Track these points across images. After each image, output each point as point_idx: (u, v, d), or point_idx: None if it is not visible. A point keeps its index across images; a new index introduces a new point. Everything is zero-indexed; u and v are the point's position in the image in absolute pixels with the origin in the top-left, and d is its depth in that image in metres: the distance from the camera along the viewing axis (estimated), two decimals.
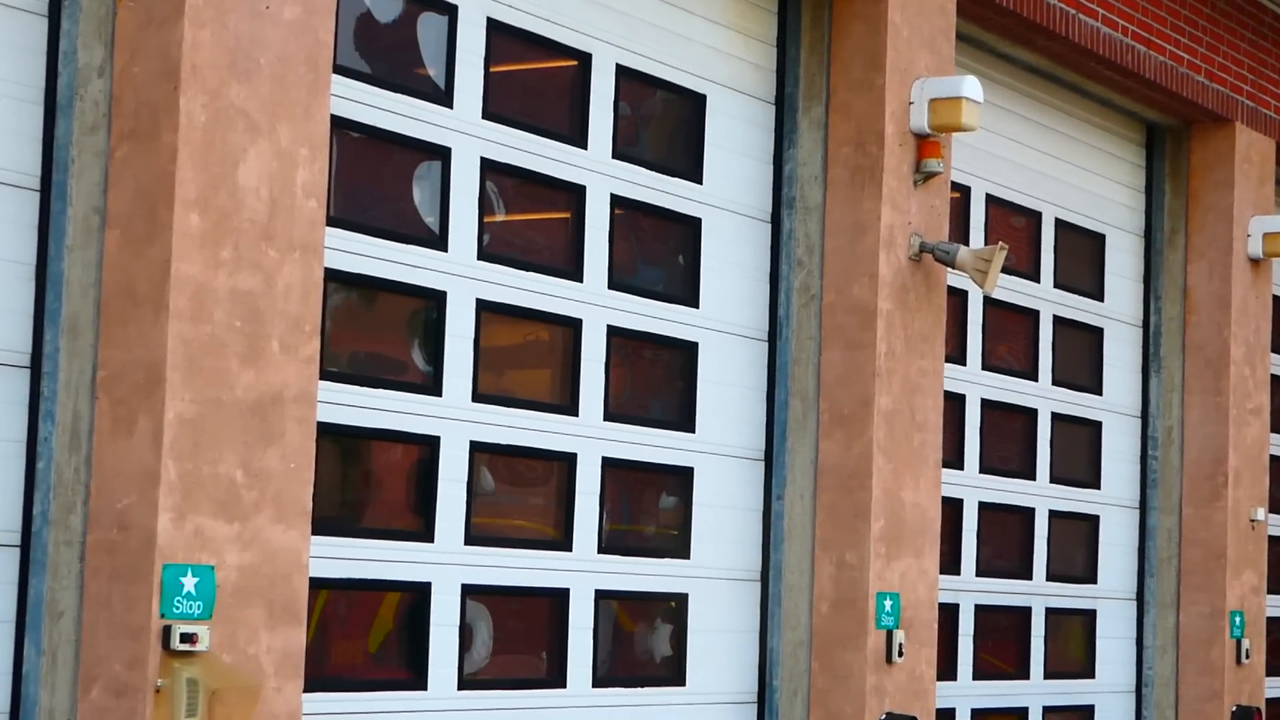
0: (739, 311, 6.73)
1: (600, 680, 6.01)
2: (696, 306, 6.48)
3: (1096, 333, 9.09)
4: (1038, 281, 8.59)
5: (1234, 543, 9.16)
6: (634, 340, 6.34)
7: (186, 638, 3.99)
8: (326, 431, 4.85)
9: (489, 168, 5.62)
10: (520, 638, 6.04)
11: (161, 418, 3.97)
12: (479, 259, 5.63)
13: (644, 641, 6.52)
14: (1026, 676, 8.48)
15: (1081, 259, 8.97)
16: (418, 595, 5.38)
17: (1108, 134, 9.19)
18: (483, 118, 5.61)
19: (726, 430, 6.67)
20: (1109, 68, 8.37)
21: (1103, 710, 9.16)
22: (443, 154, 5.47)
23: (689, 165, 6.56)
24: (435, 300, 5.45)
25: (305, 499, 4.42)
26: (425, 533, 5.42)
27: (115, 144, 4.25)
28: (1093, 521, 9.05)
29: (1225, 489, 9.12)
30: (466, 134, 5.59)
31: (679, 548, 6.42)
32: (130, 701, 3.96)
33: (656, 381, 6.69)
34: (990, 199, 8.22)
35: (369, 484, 5.54)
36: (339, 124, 4.99)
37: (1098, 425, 9.08)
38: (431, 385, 5.44)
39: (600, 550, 6.00)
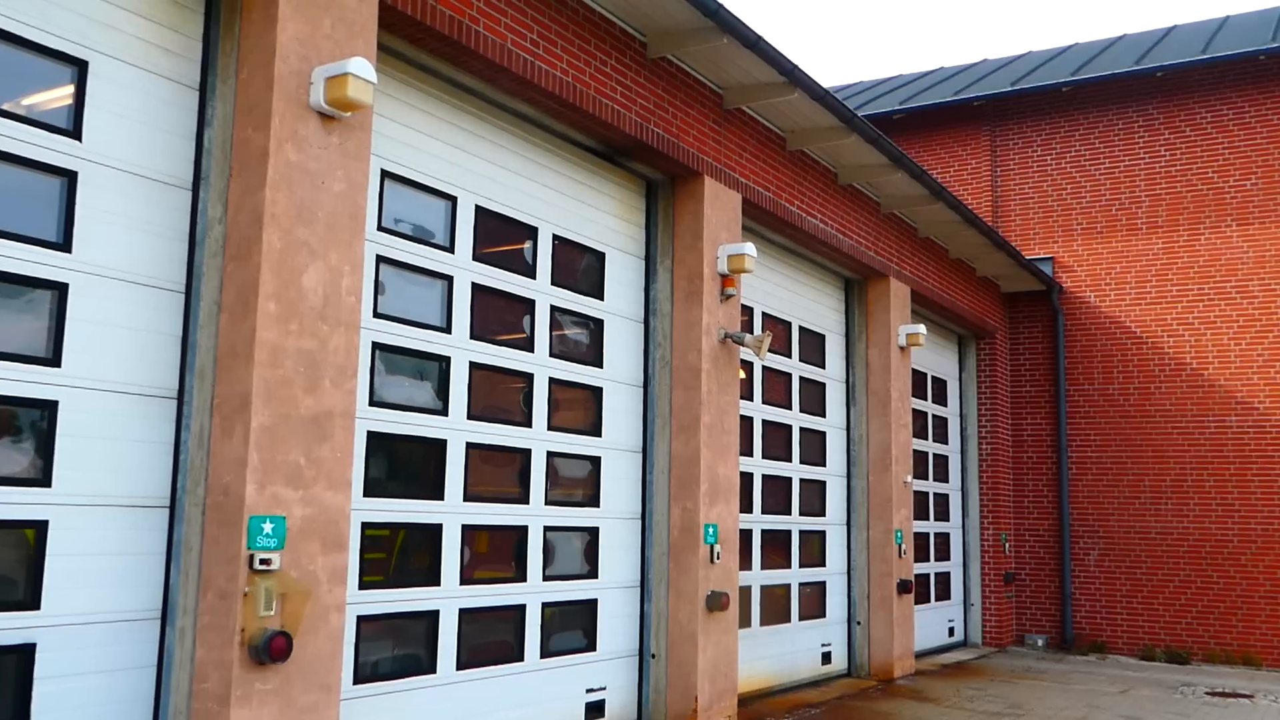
0: (626, 371, 9.54)
1: (546, 577, 8.50)
2: (601, 367, 9.34)
3: (822, 385, 12.92)
4: (790, 357, 12.23)
5: (896, 494, 13.11)
6: (564, 386, 8.98)
7: (264, 561, 5.49)
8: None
9: (479, 290, 8.09)
10: (500, 555, 8.26)
11: (249, 426, 5.58)
12: (471, 339, 8.67)
13: (572, 554, 8.95)
14: (789, 567, 11.93)
15: (813, 347, 12.76)
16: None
17: (824, 283, 13.18)
18: (474, 259, 8.01)
19: (621, 436, 9.38)
20: (824, 246, 12.07)
21: (831, 584, 12.67)
22: (448, 280, 7.91)
23: (596, 289, 9.43)
24: (443, 363, 7.91)
25: (348, 475, 6.03)
26: (440, 493, 7.68)
27: (227, 262, 5.82)
28: (823, 484, 12.74)
29: (891, 465, 13.05)
30: (463, 268, 7.96)
31: (592, 501, 9.12)
32: (229, 602, 5.48)
33: (577, 409, 9.09)
34: (765, 315, 11.69)
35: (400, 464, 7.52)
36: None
37: (823, 434, 12.86)
38: (441, 409, 7.78)
39: (545, 504, 8.58)
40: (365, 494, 7.10)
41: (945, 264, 15.67)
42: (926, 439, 16.11)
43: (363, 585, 7.05)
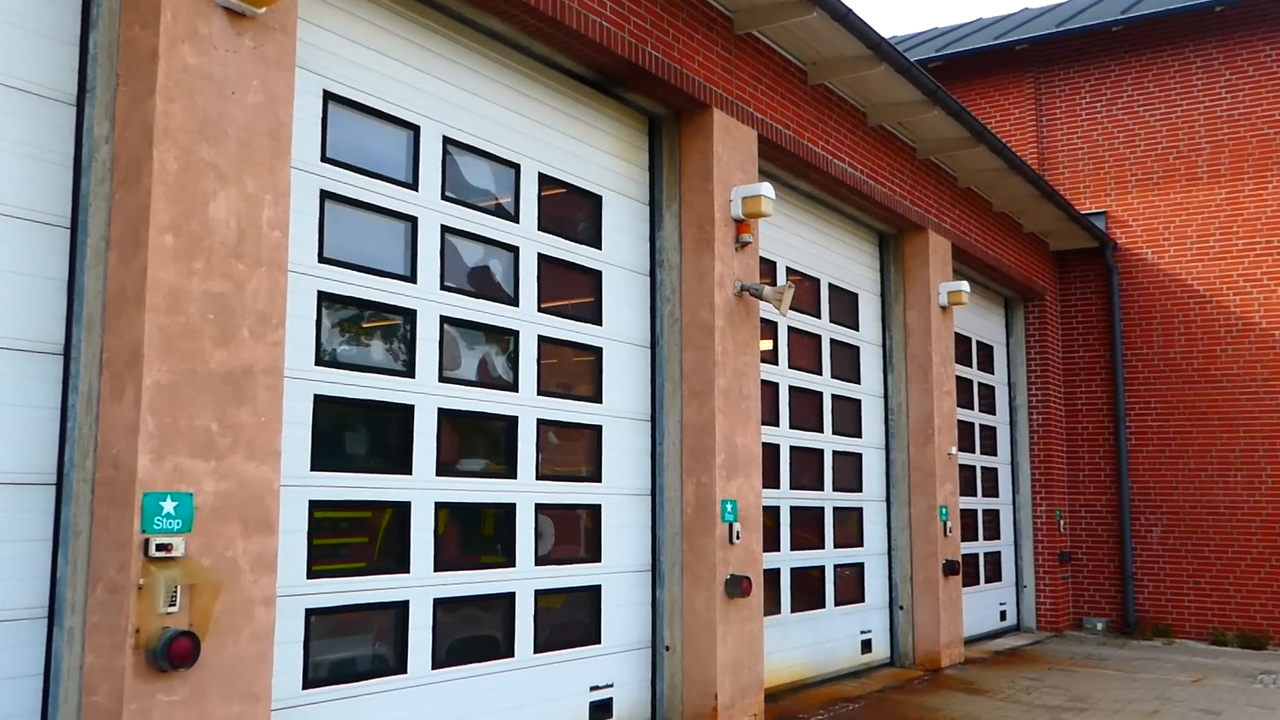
0: (630, 329, 8.45)
1: (539, 561, 7.41)
2: (600, 324, 8.20)
3: (855, 349, 11.77)
4: (819, 318, 11.14)
5: (939, 467, 11.95)
6: (557, 345, 7.82)
7: (162, 547, 4.60)
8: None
9: (450, 233, 7.00)
10: (483, 536, 7.15)
11: (141, 384, 4.62)
12: (441, 289, 6.90)
13: (569, 535, 7.80)
14: (823, 547, 10.85)
15: (845, 307, 11.64)
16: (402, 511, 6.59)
17: (856, 237, 11.99)
18: (442, 198, 6.92)
19: (625, 402, 8.31)
20: (854, 193, 10.89)
21: (870, 566, 11.59)
22: (411, 221, 6.74)
23: (592, 236, 8.26)
24: (407, 317, 6.66)
25: (276, 444, 5.10)
26: (407, 468, 6.60)
27: (115, 189, 4.88)
28: (858, 457, 11.60)
29: (933, 436, 11.91)
30: (429, 209, 6.86)
31: (592, 476, 8.00)
32: (120, 597, 4.53)
33: (573, 371, 7.98)
34: (789, 269, 10.60)
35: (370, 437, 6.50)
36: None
37: (858, 402, 11.72)
38: (406, 370, 6.62)
39: (536, 478, 7.45)
40: (314, 468, 6.08)
41: (989, 218, 14.41)
42: (972, 409, 14.88)
43: (312, 574, 6.03)
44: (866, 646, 11.63)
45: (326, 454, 6.17)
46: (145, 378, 4.72)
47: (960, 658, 12.38)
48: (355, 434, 6.41)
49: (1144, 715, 9.70)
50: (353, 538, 6.34)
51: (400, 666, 6.49)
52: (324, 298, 6.23)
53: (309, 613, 5.99)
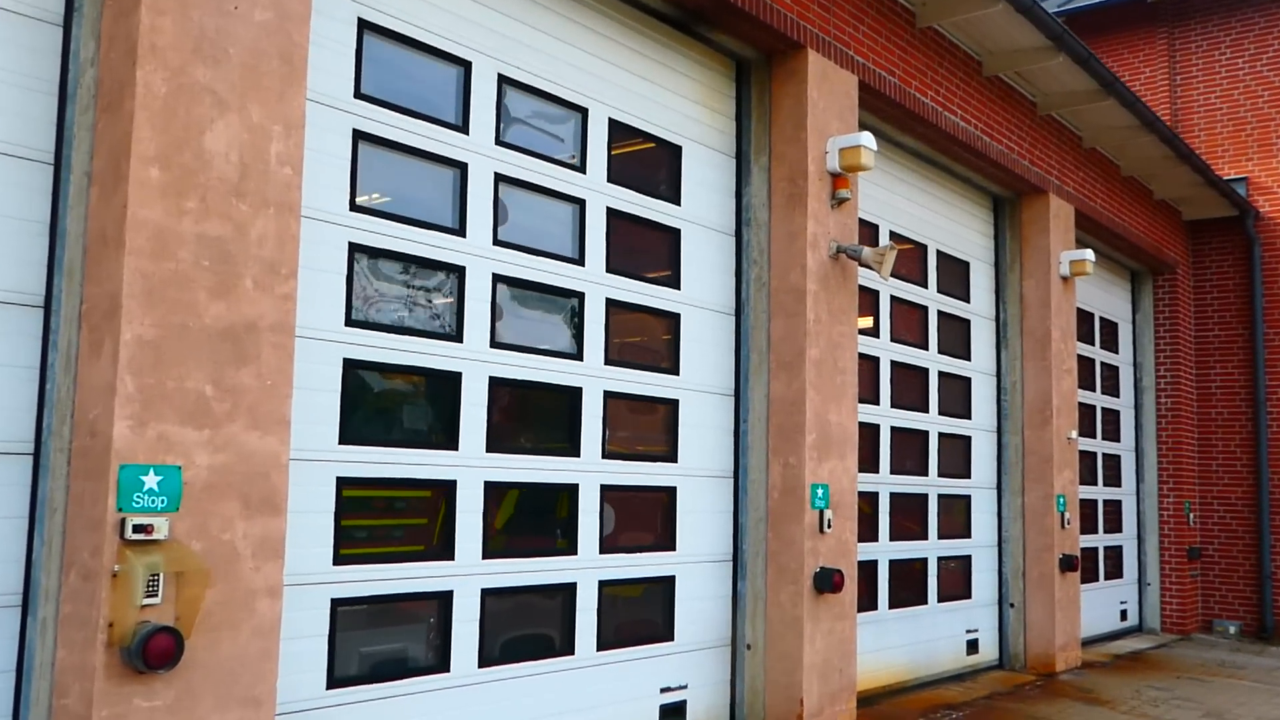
0: (712, 293, 7.63)
1: (605, 549, 6.67)
2: (679, 289, 7.39)
3: (966, 322, 10.70)
4: (926, 288, 10.11)
5: (1057, 452, 10.82)
6: (626, 310, 6.99)
7: (141, 528, 3.95)
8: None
9: (506, 183, 6.23)
10: (540, 520, 6.43)
11: (119, 339, 3.99)
12: (494, 244, 6.15)
13: (640, 520, 7.04)
14: (926, 538, 9.85)
15: (955, 277, 10.57)
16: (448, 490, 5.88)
17: (968, 200, 10.89)
18: (497, 143, 6.22)
19: (705, 375, 7.51)
20: (966, 150, 9.82)
21: (978, 559, 10.56)
22: (461, 168, 6.01)
23: (670, 190, 7.43)
24: (455, 274, 5.93)
25: (285, 411, 4.46)
26: (453, 443, 5.85)
27: (97, 117, 4.30)
28: (967, 440, 10.60)
29: (1051, 419, 10.80)
30: (482, 154, 6.15)
31: (667, 455, 7.21)
32: (93, 584, 3.93)
33: (646, 339, 7.21)
34: (893, 234, 9.63)
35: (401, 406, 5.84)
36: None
37: (968, 380, 10.67)
38: (453, 334, 5.89)
39: (603, 456, 6.69)
40: (343, 440, 5.36)
41: (1116, 183, 13.12)
42: (1094, 390, 13.63)
43: (340, 559, 5.33)
44: (973, 647, 10.61)
45: (358, 425, 5.47)
46: (124, 331, 4.07)
47: (1077, 661, 11.26)
48: (393, 404, 5.70)
49: None
50: (389, 519, 5.63)
51: (442, 664, 5.78)
52: (357, 249, 5.52)
53: (335, 603, 5.31)
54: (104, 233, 4.20)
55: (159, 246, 4.17)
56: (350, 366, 5.45)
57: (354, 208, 5.52)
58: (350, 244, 5.49)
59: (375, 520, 5.56)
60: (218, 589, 4.24)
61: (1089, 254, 11.23)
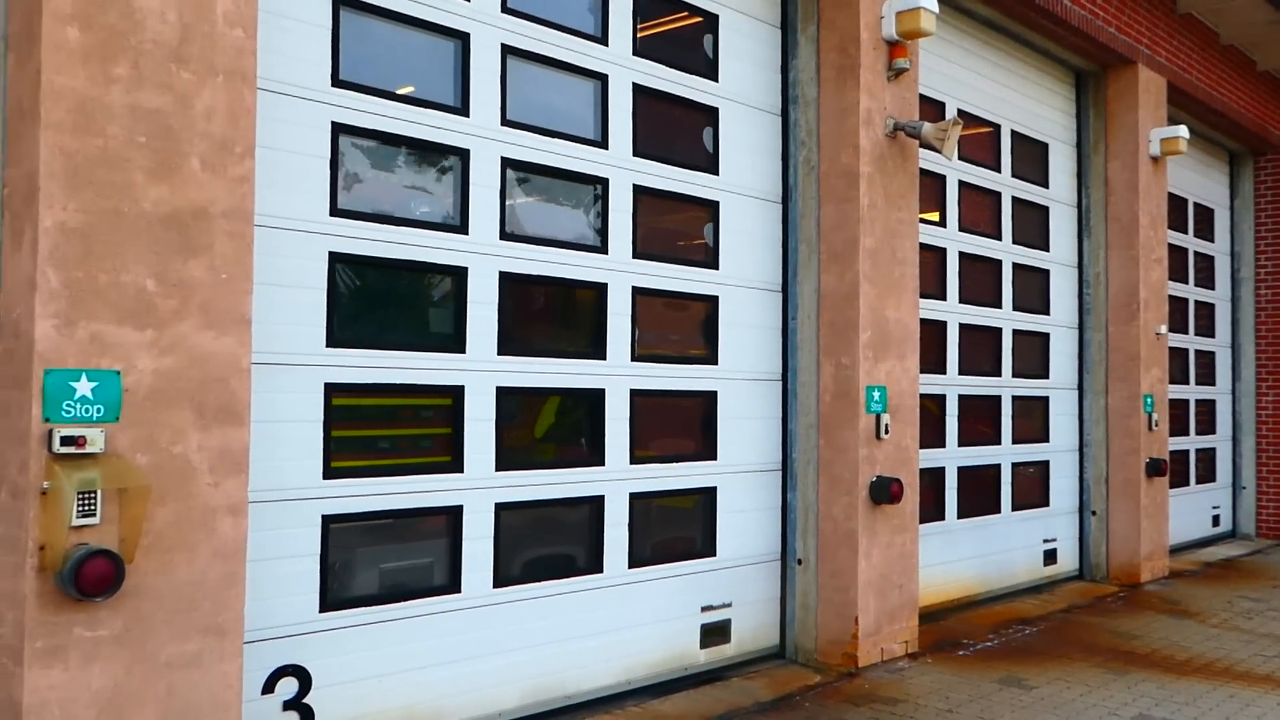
0: (754, 179, 6.93)
1: (636, 459, 6.10)
2: (717, 174, 6.70)
3: (1044, 209, 9.76)
4: (999, 172, 9.18)
5: (1144, 349, 9.91)
6: (657, 197, 6.33)
7: (70, 440, 3.50)
8: None
9: (512, 54, 5.58)
10: (562, 428, 5.89)
11: (38, 226, 3.49)
12: (503, 124, 5.54)
13: (677, 426, 6.51)
14: (999, 443, 9.10)
15: (1032, 160, 9.61)
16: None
17: (1046, 74, 9.91)
18: (503, 10, 5.56)
19: (747, 269, 6.85)
20: (1044, 16, 8.80)
21: (1056, 464, 9.83)
22: (462, 39, 5.38)
23: (706, 65, 6.72)
24: (458, 158, 5.33)
25: (244, 309, 3.95)
26: (460, 346, 5.33)
27: None
28: (1045, 337, 9.75)
29: (1138, 313, 9.89)
30: (481, 22, 5.52)
31: (706, 357, 6.60)
32: (21, 504, 3.50)
33: (680, 230, 6.61)
34: (961, 112, 8.69)
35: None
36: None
37: (1046, 272, 9.77)
38: (458, 225, 5.30)
39: (632, 359, 6.10)
40: (331, 343, 4.84)
41: (1213, 52, 11.90)
42: (1186, 282, 12.60)
43: (332, 473, 4.84)
44: (1050, 558, 9.93)
45: (349, 327, 4.94)
46: (43, 218, 3.57)
47: (1164, 571, 10.52)
48: (389, 303, 5.15)
49: None
50: (388, 429, 5.12)
51: (452, 585, 5.31)
52: (342, 130, 4.93)
53: (328, 520, 4.84)
54: (20, 105, 3.70)
55: (83, 120, 3.64)
56: (337, 261, 4.90)
57: (337, 83, 4.90)
58: (334, 123, 4.90)
59: (372, 430, 5.06)
60: (170, 508, 3.77)
61: (1182, 130, 10.18)
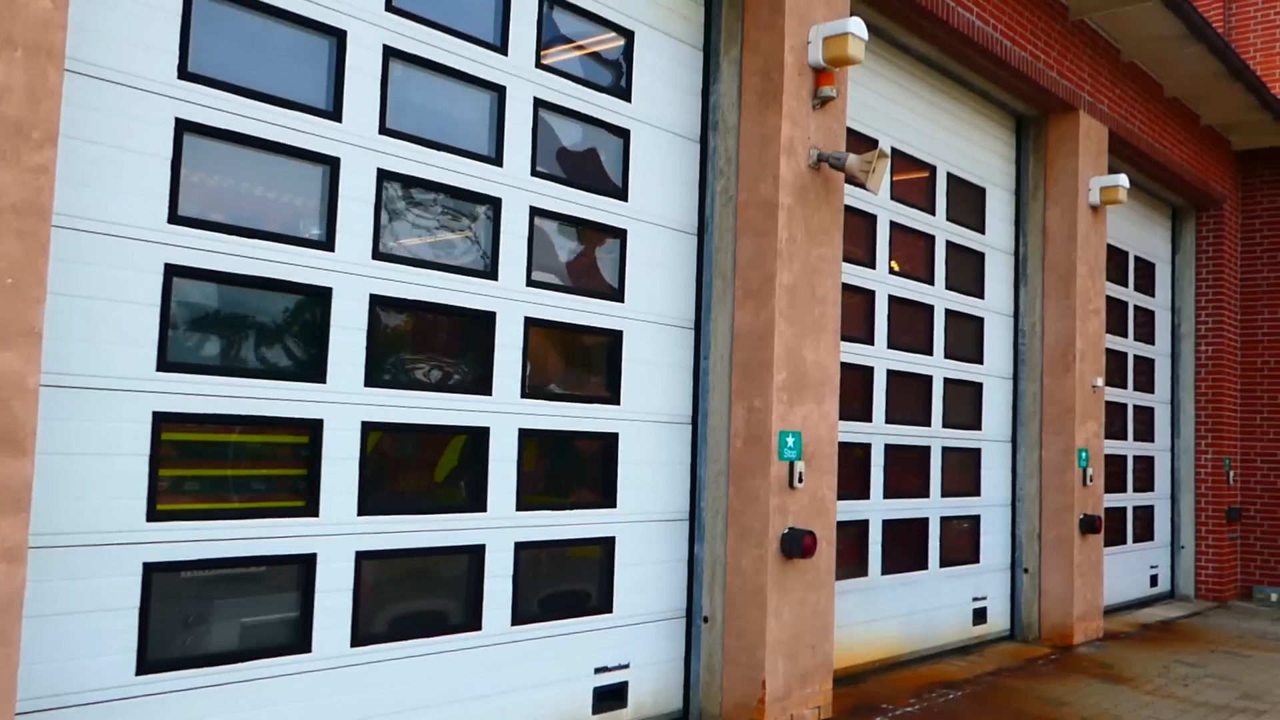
0: (668, 207, 6.47)
1: (524, 505, 5.58)
2: (626, 200, 6.21)
3: (979, 255, 9.39)
4: (933, 214, 8.80)
5: (1080, 401, 9.53)
6: (557, 221, 5.88)
7: None
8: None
9: (396, 57, 5.06)
10: (447, 469, 5.38)
11: None
12: (381, 133, 5.06)
13: (571, 471, 5.98)
14: (927, 495, 8.66)
15: (968, 204, 9.26)
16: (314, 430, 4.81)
17: (985, 118, 9.62)
18: (387, 10, 5.05)
19: (657, 302, 6.35)
20: (983, 56, 8.50)
21: (988, 519, 9.40)
22: (338, 35, 4.91)
23: (617, 84, 6.28)
24: (328, 165, 4.88)
25: (32, 319, 3.44)
26: (319, 375, 4.80)
27: None
28: (978, 386, 9.34)
29: (1074, 364, 9.50)
30: (372, 23, 5.06)
31: (607, 396, 6.09)
32: None
33: (583, 258, 6.09)
34: (896, 151, 8.35)
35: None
36: None
37: (980, 320, 9.39)
38: (323, 241, 4.79)
39: (522, 395, 5.56)
40: (163, 367, 4.28)
41: (1157, 104, 11.69)
42: (1125, 336, 12.31)
43: (158, 515, 4.25)
44: (980, 617, 9.46)
45: (188, 349, 4.39)
46: None
47: (1098, 632, 10.09)
48: (238, 325, 4.58)
49: None
50: (229, 468, 4.52)
51: (302, 643, 4.72)
52: (187, 128, 4.38)
53: (150, 568, 4.24)
54: None
55: None
56: (175, 274, 4.34)
57: (186, 75, 4.36)
58: (178, 120, 4.36)
59: (210, 469, 4.47)
60: None
61: (1122, 179, 9.89)
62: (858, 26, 6.54)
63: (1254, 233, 13.87)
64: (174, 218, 4.34)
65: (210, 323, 4.47)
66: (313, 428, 4.77)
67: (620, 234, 6.25)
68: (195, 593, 4.38)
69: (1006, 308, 9.94)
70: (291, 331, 4.74)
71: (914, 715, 7.12)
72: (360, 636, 4.91)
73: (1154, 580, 12.99)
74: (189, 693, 4.30)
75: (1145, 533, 12.76)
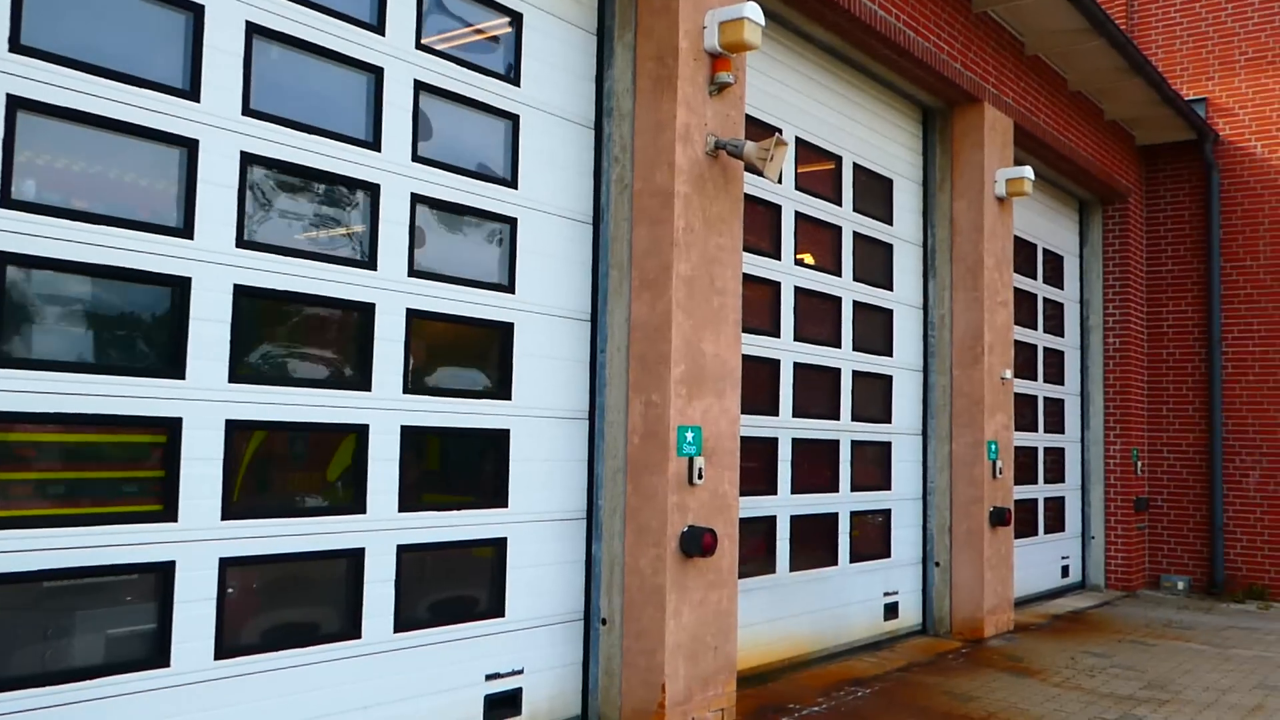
0: (561, 196, 6.26)
1: (407, 506, 5.33)
2: (515, 188, 5.98)
3: (888, 247, 9.34)
4: (840, 205, 8.69)
5: (989, 394, 9.53)
6: (443, 209, 5.66)
7: None
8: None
9: (259, 33, 4.76)
10: (311, 470, 5.08)
11: None
12: (244, 114, 4.80)
13: (461, 470, 5.75)
14: (836, 490, 8.54)
15: (875, 195, 9.18)
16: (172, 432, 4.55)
17: (892, 109, 9.56)
18: None
19: (550, 294, 6.15)
20: (887, 46, 8.43)
21: (899, 513, 9.39)
22: (195, 9, 4.54)
23: (507, 69, 6.07)
24: (183, 148, 4.65)
25: None
26: (177, 371, 4.59)
27: None
28: (888, 379, 9.29)
29: (983, 357, 9.50)
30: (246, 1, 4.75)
31: (497, 391, 5.84)
32: None
33: (470, 246, 5.87)
34: (800, 141, 8.24)
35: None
36: None
37: (889, 312, 9.33)
38: (182, 229, 4.52)
39: (404, 391, 5.31)
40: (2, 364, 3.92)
41: (1062, 98, 11.76)
42: (1035, 328, 12.38)
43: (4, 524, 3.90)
44: (891, 612, 9.38)
45: (13, 342, 4.07)
46: None
47: (1009, 625, 10.08)
48: (81, 319, 4.25)
49: (1245, 713, 7.35)
50: (71, 470, 4.20)
51: (159, 657, 4.41)
52: (19, 105, 4.05)
53: None
54: None
55: None
56: (8, 261, 3.99)
57: (17, 48, 4.03)
58: (9, 96, 4.03)
59: (46, 472, 4.13)
60: None
61: (1027, 171, 9.90)
62: (754, 11, 6.37)
63: (1158, 226, 14.06)
64: (6, 201, 3.99)
65: (43, 315, 4.13)
66: (170, 427, 4.45)
67: (510, 222, 6.01)
68: (34, 605, 4.05)
69: (916, 299, 9.89)
70: (146, 324, 4.43)
71: (821, 715, 6.99)
72: (225, 648, 4.61)
73: (1065, 571, 13.08)
74: (27, 714, 3.97)
75: (1056, 524, 12.85)
